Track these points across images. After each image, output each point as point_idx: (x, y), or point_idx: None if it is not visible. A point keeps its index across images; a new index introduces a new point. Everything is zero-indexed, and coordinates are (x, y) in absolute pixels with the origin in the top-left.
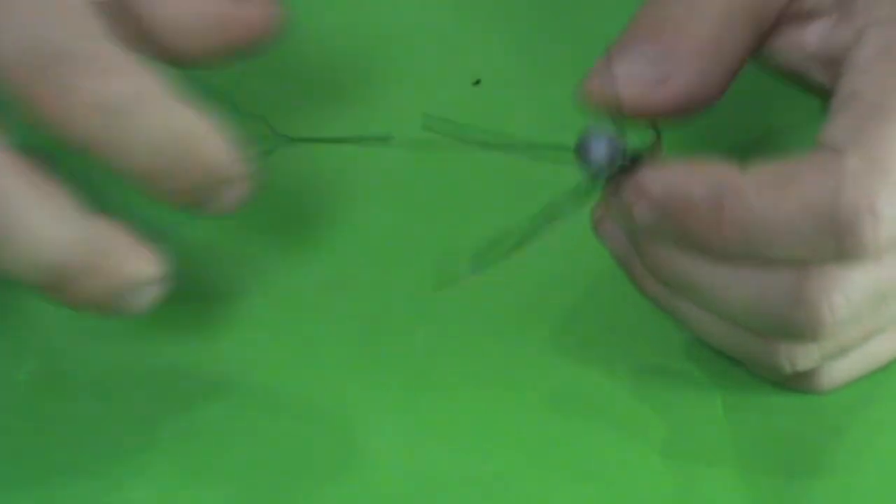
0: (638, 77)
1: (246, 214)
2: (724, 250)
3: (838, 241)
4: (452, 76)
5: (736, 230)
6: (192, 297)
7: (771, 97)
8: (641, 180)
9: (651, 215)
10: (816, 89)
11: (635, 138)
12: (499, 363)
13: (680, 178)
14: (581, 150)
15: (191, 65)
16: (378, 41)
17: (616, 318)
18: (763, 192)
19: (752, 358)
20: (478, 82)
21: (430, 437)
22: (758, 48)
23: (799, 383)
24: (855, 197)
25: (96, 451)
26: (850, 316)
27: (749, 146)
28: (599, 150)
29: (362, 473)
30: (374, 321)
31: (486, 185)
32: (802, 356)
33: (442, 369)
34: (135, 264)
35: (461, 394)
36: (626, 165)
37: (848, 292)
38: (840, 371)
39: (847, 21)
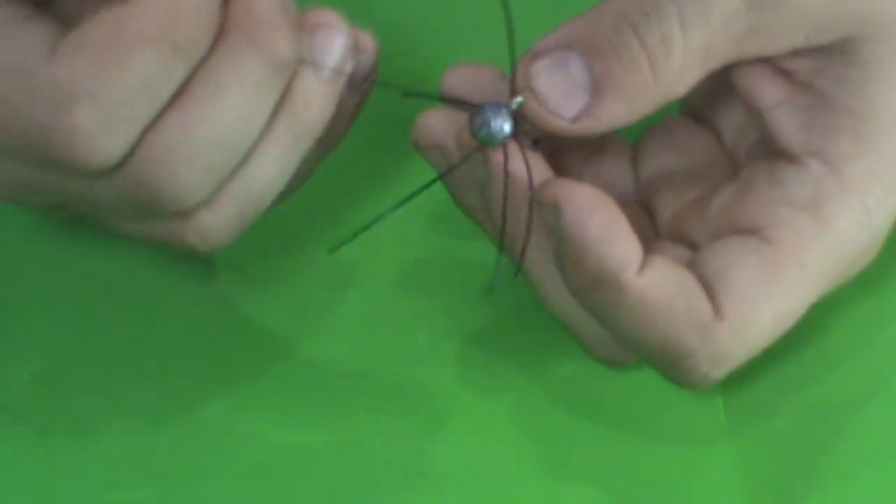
0: (554, 101)
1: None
2: (578, 297)
3: (668, 373)
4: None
5: (597, 304)
6: (193, 297)
7: None
8: (563, 194)
9: (554, 224)
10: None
11: None
12: (499, 363)
13: (593, 232)
14: (478, 128)
15: None
16: (380, 40)
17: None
18: (639, 308)
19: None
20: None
21: (430, 437)
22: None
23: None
24: (703, 364)
25: (96, 451)
26: None
27: None
28: (493, 122)
29: (362, 473)
30: (374, 321)
31: None
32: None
33: (442, 369)
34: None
35: (461, 394)
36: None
37: None
38: None
39: (803, 123)
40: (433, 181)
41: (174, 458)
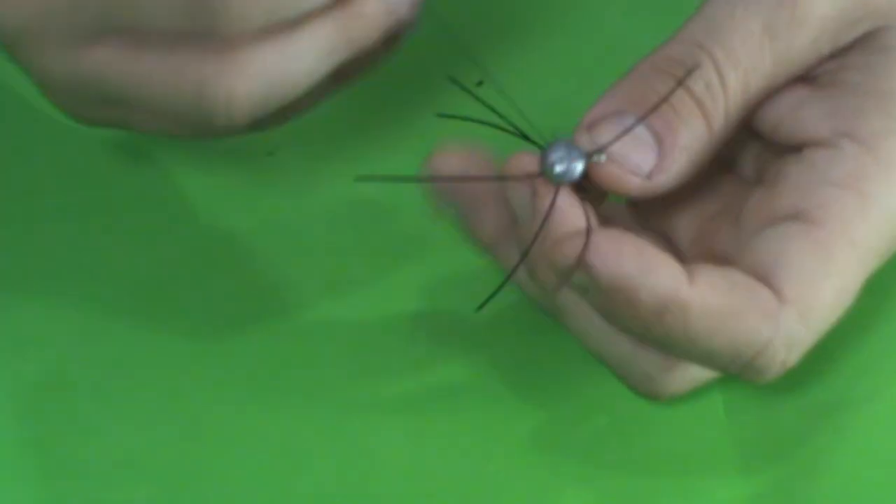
0: (623, 161)
1: (244, 214)
2: (641, 336)
3: (742, 373)
4: (456, 77)
5: (664, 334)
6: (193, 298)
7: None
8: (591, 255)
9: (586, 284)
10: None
11: None
12: (498, 363)
13: (632, 269)
14: (551, 165)
15: None
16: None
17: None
18: (705, 317)
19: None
20: (480, 83)
21: (430, 437)
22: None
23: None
24: (779, 352)
25: (96, 451)
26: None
27: None
28: (569, 161)
29: (362, 473)
30: (376, 321)
31: None
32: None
33: (443, 369)
34: None
35: (461, 395)
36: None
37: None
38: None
39: (828, 111)
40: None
41: (174, 458)
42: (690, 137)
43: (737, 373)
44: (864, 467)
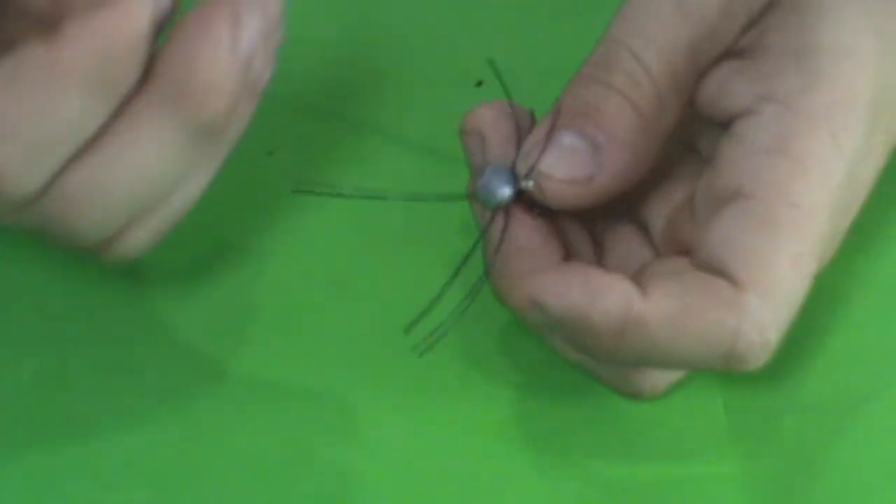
0: (562, 175)
1: (244, 214)
2: (614, 361)
3: (727, 366)
4: (455, 77)
5: (632, 352)
6: (192, 298)
7: None
8: (535, 290)
9: (543, 321)
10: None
11: None
12: (498, 364)
13: (579, 299)
14: (479, 189)
15: None
16: (381, 42)
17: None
18: (665, 325)
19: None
20: (480, 83)
21: (431, 437)
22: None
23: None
24: (752, 336)
25: (96, 451)
26: None
27: None
28: (496, 185)
29: (362, 474)
30: (376, 321)
31: None
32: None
33: (443, 370)
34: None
35: (461, 394)
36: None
37: None
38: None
39: (749, 78)
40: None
41: (174, 458)
42: (625, 130)
43: (722, 368)
44: (864, 467)
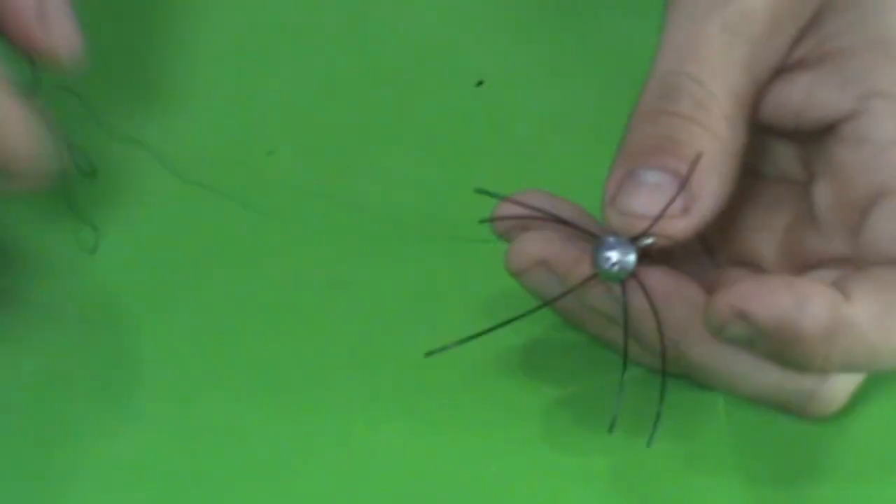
0: (653, 207)
1: (244, 213)
2: (822, 369)
3: None
4: (456, 77)
5: (842, 357)
6: (193, 298)
7: None
8: (741, 303)
9: (746, 335)
10: (777, 132)
11: None
12: (500, 363)
13: (788, 304)
14: (604, 266)
15: None
16: (382, 41)
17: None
18: (877, 325)
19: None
20: (481, 83)
21: (431, 437)
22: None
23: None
24: None
25: (96, 450)
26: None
27: None
28: (613, 259)
29: (362, 474)
30: (375, 322)
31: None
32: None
33: (443, 369)
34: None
35: (461, 395)
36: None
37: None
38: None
39: (839, 84)
40: (540, 307)
41: (174, 458)
42: (706, 155)
43: None
44: (864, 467)
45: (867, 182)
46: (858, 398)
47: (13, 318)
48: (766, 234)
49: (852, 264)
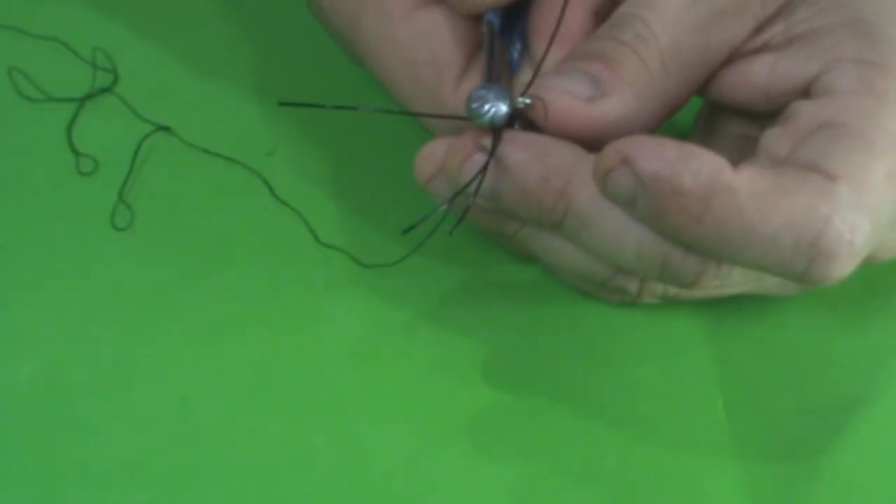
0: (568, 90)
1: (243, 213)
2: (692, 242)
3: (810, 264)
4: None
5: (715, 228)
6: (193, 298)
7: None
8: (629, 149)
9: (629, 186)
10: (749, 112)
11: None
12: (500, 363)
13: (673, 157)
14: (473, 108)
15: None
16: None
17: (616, 318)
18: (756, 200)
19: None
20: None
21: (431, 438)
22: (704, 85)
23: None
24: (842, 229)
25: (96, 451)
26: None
27: None
28: (490, 104)
29: (362, 474)
30: (375, 322)
31: None
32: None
33: (443, 370)
34: None
35: (461, 395)
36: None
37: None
38: None
39: (806, 56)
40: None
41: (174, 458)
42: (630, 73)
43: (801, 273)
44: (864, 467)
45: (812, 121)
46: (858, 398)
47: (13, 318)
48: None
49: None
